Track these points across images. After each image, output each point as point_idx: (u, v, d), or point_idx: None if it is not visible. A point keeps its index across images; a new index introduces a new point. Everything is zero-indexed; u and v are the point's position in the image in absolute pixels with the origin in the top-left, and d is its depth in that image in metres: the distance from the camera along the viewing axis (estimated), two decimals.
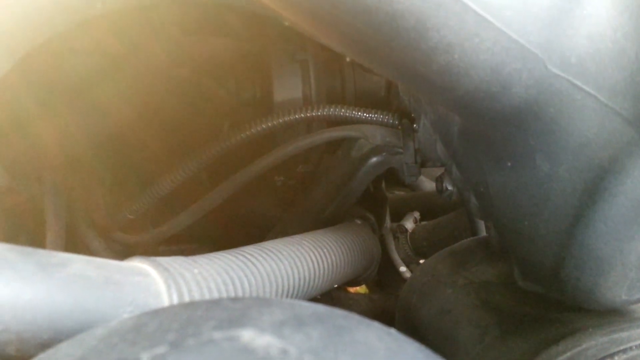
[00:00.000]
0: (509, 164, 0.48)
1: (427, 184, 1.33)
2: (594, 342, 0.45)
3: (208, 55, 0.97)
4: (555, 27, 0.38)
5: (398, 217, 1.15)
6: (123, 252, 0.86)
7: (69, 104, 0.78)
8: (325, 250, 0.59)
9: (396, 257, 1.06)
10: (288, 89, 0.81)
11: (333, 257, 0.60)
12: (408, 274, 1.04)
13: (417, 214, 1.11)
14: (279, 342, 0.22)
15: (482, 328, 0.55)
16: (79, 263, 0.33)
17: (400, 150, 0.74)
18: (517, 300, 0.56)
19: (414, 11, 0.33)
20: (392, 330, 0.30)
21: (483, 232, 0.82)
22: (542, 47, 0.38)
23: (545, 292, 0.48)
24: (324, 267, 0.57)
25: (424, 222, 1.10)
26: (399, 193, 1.28)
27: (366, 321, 0.30)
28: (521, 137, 0.44)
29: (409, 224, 1.08)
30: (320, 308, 0.30)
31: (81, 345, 0.25)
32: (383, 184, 1.06)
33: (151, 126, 0.94)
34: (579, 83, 0.40)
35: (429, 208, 1.15)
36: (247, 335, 0.22)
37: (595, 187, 0.40)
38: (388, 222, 1.08)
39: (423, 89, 0.42)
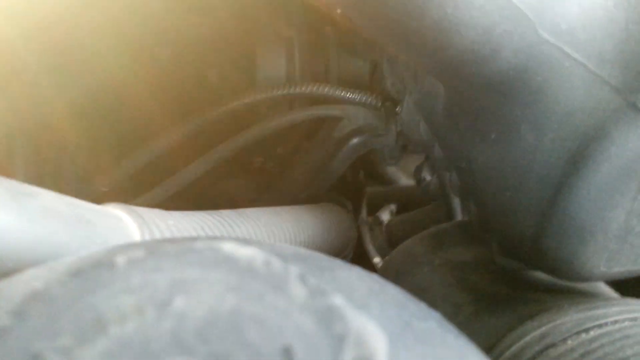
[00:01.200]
0: (493, 135, 0.47)
1: (404, 180, 1.33)
2: (569, 318, 0.45)
3: (190, 35, 0.96)
4: None
5: (375, 210, 1.15)
6: None
7: (45, 65, 0.75)
8: (302, 223, 0.58)
9: (371, 248, 1.06)
10: (271, 67, 0.80)
11: (310, 231, 0.59)
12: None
13: (393, 207, 1.11)
14: (262, 254, 0.21)
15: (457, 306, 0.54)
16: (50, 196, 0.32)
17: (382, 132, 0.74)
18: (493, 280, 0.56)
19: None
20: (375, 275, 0.30)
21: None
22: (534, 10, 0.38)
23: (523, 266, 0.48)
24: (299, 240, 0.56)
25: (400, 215, 1.09)
26: (376, 187, 1.28)
27: (348, 264, 0.29)
28: (507, 107, 0.44)
29: (385, 216, 1.08)
30: (303, 249, 0.29)
31: (49, 272, 0.24)
32: (361, 173, 1.05)
33: (131, 99, 0.92)
34: (568, 50, 0.40)
35: (406, 201, 1.14)
36: (229, 246, 0.21)
37: (579, 155, 0.40)
38: (364, 213, 1.08)
39: (414, 48, 0.41)
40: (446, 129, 0.57)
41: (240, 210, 0.51)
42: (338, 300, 0.19)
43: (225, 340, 0.17)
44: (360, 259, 1.09)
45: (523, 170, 0.44)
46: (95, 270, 0.19)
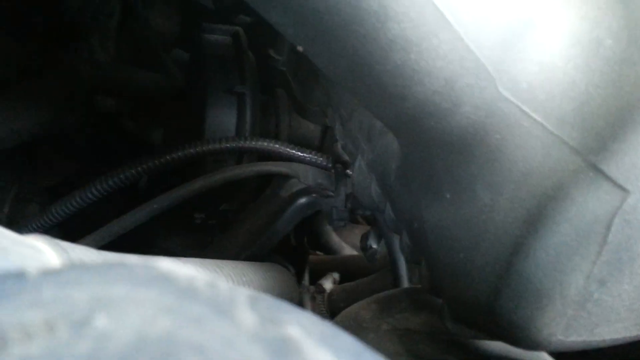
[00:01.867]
0: (448, 195, 0.46)
1: (347, 250, 1.30)
2: None
3: (136, 87, 0.93)
4: (509, 47, 0.38)
5: (316, 278, 1.11)
6: None
7: None
8: (245, 279, 0.54)
9: None
10: (221, 121, 0.78)
11: (252, 289, 0.56)
12: None
13: (336, 275, 1.08)
14: (205, 275, 0.18)
15: None
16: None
17: (332, 193, 0.72)
18: (441, 350, 0.53)
19: None
20: (327, 322, 0.27)
21: None
22: (495, 65, 0.38)
23: (476, 333, 0.46)
24: None
25: (343, 284, 1.06)
26: (319, 254, 1.25)
27: (299, 308, 0.26)
28: (463, 165, 0.43)
29: (328, 284, 1.04)
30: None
31: None
32: (305, 239, 1.02)
33: (65, 146, 0.87)
34: (527, 110, 0.39)
35: (349, 271, 1.12)
36: (166, 264, 0.18)
37: (537, 215, 0.39)
38: (306, 280, 1.04)
39: (374, 94, 0.40)
40: (399, 189, 0.56)
41: (179, 259, 0.47)
42: (294, 331, 0.16)
43: None
44: None
45: (478, 230, 0.43)
46: (1, 280, 0.16)
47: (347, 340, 0.26)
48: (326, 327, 0.25)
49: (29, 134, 0.73)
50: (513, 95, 0.39)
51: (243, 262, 0.60)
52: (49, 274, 0.16)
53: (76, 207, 0.71)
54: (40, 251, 0.31)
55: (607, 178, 0.36)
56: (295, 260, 0.92)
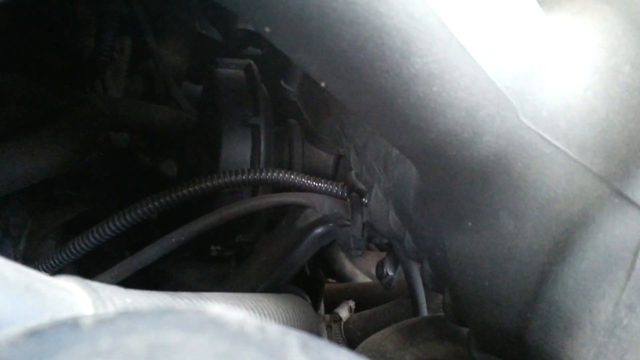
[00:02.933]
0: (470, 223, 0.46)
1: (361, 278, 1.30)
2: None
3: (150, 122, 0.94)
4: (529, 77, 0.39)
5: (332, 307, 1.11)
6: None
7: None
8: (266, 312, 0.54)
9: None
10: (236, 153, 0.79)
11: (273, 320, 0.55)
12: None
13: (352, 303, 1.07)
14: (254, 321, 0.18)
15: None
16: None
17: (348, 222, 0.72)
18: None
19: (402, 30, 0.32)
20: (363, 357, 0.27)
21: None
22: (516, 95, 0.38)
23: None
24: None
25: (359, 312, 1.05)
26: (332, 282, 1.25)
27: (334, 345, 0.26)
28: (485, 194, 0.43)
29: (344, 313, 1.03)
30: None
31: None
32: (320, 269, 1.02)
33: (81, 182, 0.88)
34: (549, 137, 0.40)
35: (365, 299, 1.11)
36: (215, 309, 0.18)
37: (564, 242, 0.38)
38: (322, 309, 1.04)
39: (396, 126, 0.40)
40: (419, 218, 0.56)
41: (202, 294, 0.47)
42: None
43: None
44: None
45: (503, 258, 0.43)
46: (56, 330, 0.16)
47: None
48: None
49: (50, 172, 0.74)
50: (534, 123, 0.39)
51: (263, 294, 0.60)
52: (103, 323, 0.16)
53: (94, 244, 0.71)
54: (72, 293, 0.31)
55: (633, 204, 0.36)
56: (311, 289, 0.91)
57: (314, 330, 0.72)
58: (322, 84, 0.37)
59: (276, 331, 0.18)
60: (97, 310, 0.31)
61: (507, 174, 0.41)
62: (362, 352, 0.61)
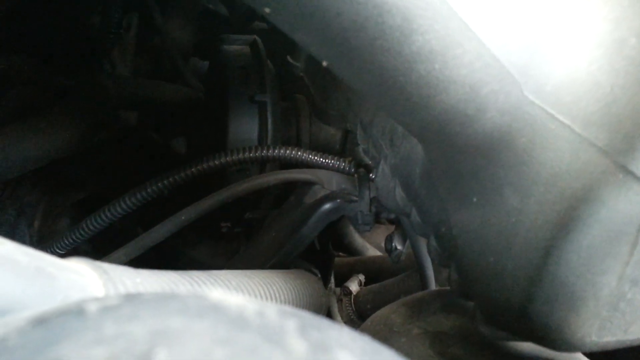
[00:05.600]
0: (475, 199, 0.46)
1: (371, 251, 1.30)
2: None
3: (159, 99, 0.94)
4: (533, 52, 0.38)
5: (342, 281, 1.12)
6: None
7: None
8: (275, 288, 0.55)
9: (339, 319, 1.02)
10: (244, 130, 0.79)
11: (282, 297, 0.56)
12: None
13: (362, 277, 1.08)
14: (253, 305, 0.18)
15: None
16: (8, 245, 0.28)
17: (356, 198, 0.72)
18: (474, 352, 0.54)
19: (402, 8, 0.32)
20: (365, 336, 0.27)
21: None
22: (520, 70, 0.38)
23: (508, 335, 0.46)
24: None
25: (369, 286, 1.06)
26: (342, 256, 1.26)
27: (337, 324, 0.27)
28: (490, 170, 0.43)
29: (354, 286, 1.05)
30: (288, 307, 0.27)
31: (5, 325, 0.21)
32: (330, 243, 1.03)
33: (91, 161, 0.89)
34: (553, 112, 0.39)
35: (374, 272, 1.12)
36: (216, 295, 0.19)
37: (568, 217, 0.39)
38: (332, 283, 1.05)
39: (399, 104, 0.40)
40: (425, 194, 0.56)
41: (212, 272, 0.47)
42: (343, 356, 0.17)
43: None
44: None
45: (507, 234, 0.43)
46: (62, 318, 0.16)
47: (385, 354, 0.26)
48: (365, 342, 0.26)
49: (60, 152, 0.75)
50: (538, 98, 0.39)
51: (272, 270, 0.61)
52: (108, 310, 0.17)
53: (106, 222, 0.72)
54: (83, 275, 0.32)
55: (637, 179, 0.36)
56: (320, 264, 0.92)
57: (324, 305, 0.73)
58: (324, 63, 0.37)
59: (275, 315, 0.18)
60: (108, 291, 0.32)
61: (512, 149, 0.41)
62: (371, 326, 0.61)
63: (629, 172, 0.36)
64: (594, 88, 0.39)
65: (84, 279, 0.31)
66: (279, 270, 0.63)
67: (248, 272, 0.53)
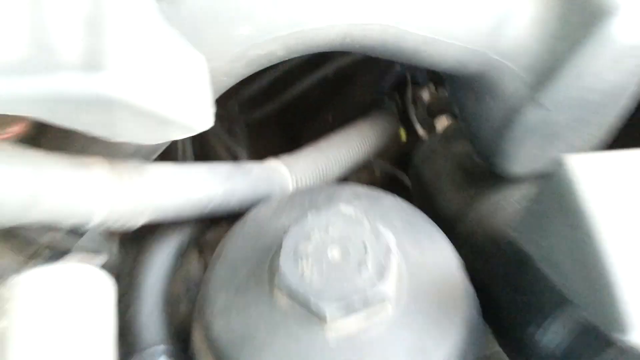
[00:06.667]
0: (475, 97, 0.82)
1: None
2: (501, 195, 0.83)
3: None
4: (494, 33, 0.70)
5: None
6: None
7: None
8: (361, 145, 0.97)
9: (414, 119, 1.42)
10: None
11: (370, 144, 0.98)
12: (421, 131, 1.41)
13: (432, 85, 1.44)
14: (354, 210, 0.60)
15: (455, 182, 0.93)
16: (257, 168, 0.72)
17: None
18: (475, 165, 0.93)
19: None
20: (404, 203, 0.68)
21: None
22: (486, 46, 0.71)
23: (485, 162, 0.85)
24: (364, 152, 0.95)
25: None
26: None
27: (392, 196, 0.68)
28: (478, 88, 0.79)
29: (425, 95, 1.42)
30: (362, 189, 0.68)
31: (269, 207, 0.65)
32: None
33: None
34: (508, 63, 0.73)
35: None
36: (342, 206, 0.61)
37: (508, 115, 0.75)
38: (409, 93, 1.42)
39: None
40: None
41: (337, 142, 0.89)
42: (382, 228, 0.59)
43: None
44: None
45: (485, 114, 0.80)
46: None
47: (408, 211, 0.68)
48: (399, 208, 0.68)
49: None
50: (501, 57, 0.72)
51: (357, 128, 1.01)
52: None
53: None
54: (281, 172, 0.75)
55: (539, 104, 0.71)
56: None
57: (395, 136, 1.13)
58: None
59: (359, 214, 0.61)
60: (293, 181, 0.75)
61: (487, 80, 0.76)
62: (425, 149, 1.02)
63: (536, 100, 0.71)
64: (539, 48, 0.71)
65: (282, 175, 0.75)
66: (367, 122, 1.03)
67: (346, 136, 0.95)
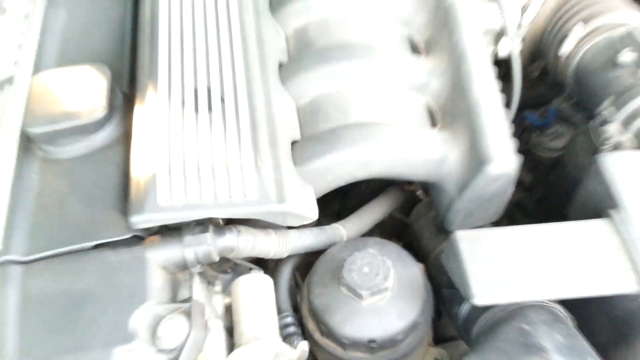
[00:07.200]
0: (435, 192, 1.63)
1: None
2: None
3: None
4: (438, 166, 1.50)
5: None
6: None
7: None
8: (385, 209, 1.78)
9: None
10: None
11: (385, 213, 1.80)
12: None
13: None
14: (374, 250, 1.43)
15: (431, 231, 1.73)
16: (329, 229, 1.54)
17: None
18: (440, 223, 1.72)
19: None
20: (396, 245, 1.50)
21: None
22: (434, 174, 1.51)
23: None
24: (382, 217, 1.77)
25: None
26: None
27: (390, 242, 1.49)
28: (434, 188, 1.59)
29: None
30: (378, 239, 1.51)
31: (336, 247, 1.47)
32: None
33: None
34: (447, 179, 1.52)
35: None
36: (369, 249, 1.43)
37: (450, 203, 1.55)
38: None
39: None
40: None
41: (368, 209, 1.71)
42: (386, 259, 1.41)
43: None
44: None
45: (438, 202, 1.60)
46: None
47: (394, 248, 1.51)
48: (391, 249, 1.50)
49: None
50: (442, 176, 1.53)
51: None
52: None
53: None
54: (339, 230, 1.57)
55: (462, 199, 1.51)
56: None
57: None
58: None
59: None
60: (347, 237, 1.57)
61: (436, 187, 1.55)
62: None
63: (460, 197, 1.52)
64: (455, 174, 1.51)
65: (342, 233, 1.56)
66: (380, 200, 1.84)
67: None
